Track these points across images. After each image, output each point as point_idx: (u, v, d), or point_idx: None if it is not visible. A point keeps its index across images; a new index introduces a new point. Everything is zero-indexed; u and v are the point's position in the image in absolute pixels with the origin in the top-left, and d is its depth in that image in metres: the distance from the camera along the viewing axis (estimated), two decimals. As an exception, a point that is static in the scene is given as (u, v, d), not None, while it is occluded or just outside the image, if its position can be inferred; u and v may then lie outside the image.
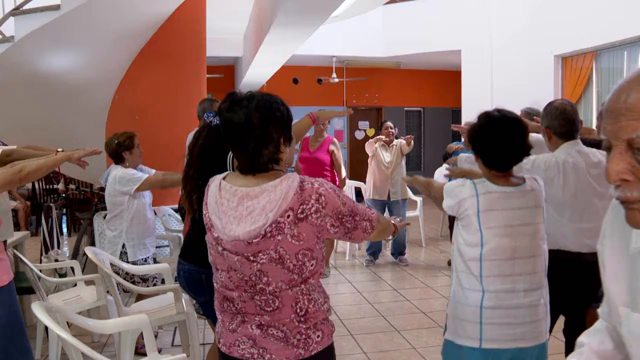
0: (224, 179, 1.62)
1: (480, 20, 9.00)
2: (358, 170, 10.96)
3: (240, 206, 1.51)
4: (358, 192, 6.87)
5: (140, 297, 3.67)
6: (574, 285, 2.50)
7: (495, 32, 8.75)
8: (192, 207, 2.38)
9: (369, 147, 6.17)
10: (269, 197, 1.48)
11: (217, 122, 2.34)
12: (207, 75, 6.07)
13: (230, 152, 2.22)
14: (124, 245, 3.67)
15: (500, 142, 1.98)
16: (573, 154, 2.53)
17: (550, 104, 2.66)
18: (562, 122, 2.55)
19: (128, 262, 3.66)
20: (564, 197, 2.48)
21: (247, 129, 1.52)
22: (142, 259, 3.73)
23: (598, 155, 2.58)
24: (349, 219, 1.55)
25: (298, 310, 1.52)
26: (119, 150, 3.64)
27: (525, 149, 2.00)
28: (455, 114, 11.96)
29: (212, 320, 2.38)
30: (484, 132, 2.03)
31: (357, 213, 1.57)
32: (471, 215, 1.94)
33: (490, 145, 2.00)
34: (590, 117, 7.40)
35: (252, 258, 1.48)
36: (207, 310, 2.29)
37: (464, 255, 1.99)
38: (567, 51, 7.61)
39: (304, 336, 1.53)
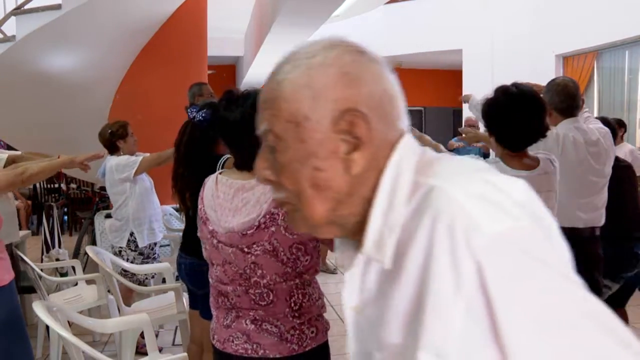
0: (220, 173, 1.64)
1: (482, 20, 9.00)
2: (359, 169, 10.94)
3: (235, 198, 1.53)
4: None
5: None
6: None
7: (496, 32, 8.74)
8: (185, 205, 2.40)
9: None
10: (264, 189, 1.49)
11: (200, 117, 2.36)
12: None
13: (222, 158, 2.25)
14: (132, 233, 3.66)
15: (516, 120, 1.85)
16: (571, 130, 2.50)
17: (552, 81, 2.63)
18: (563, 98, 2.53)
19: (137, 248, 3.67)
20: (561, 170, 2.46)
21: (242, 128, 1.53)
22: (152, 244, 3.74)
23: (597, 133, 2.57)
24: None
25: (292, 305, 1.53)
26: (113, 139, 3.63)
27: (542, 130, 1.89)
28: (457, 114, 11.95)
29: (204, 313, 2.38)
30: (499, 109, 1.91)
31: None
32: None
33: (504, 123, 1.89)
34: (591, 116, 7.40)
35: (246, 250, 1.49)
36: (204, 303, 2.30)
37: None
38: (568, 51, 7.61)
39: (297, 332, 1.54)
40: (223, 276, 1.57)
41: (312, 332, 1.56)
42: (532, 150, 2.03)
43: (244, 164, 1.57)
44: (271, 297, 1.52)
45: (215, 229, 1.55)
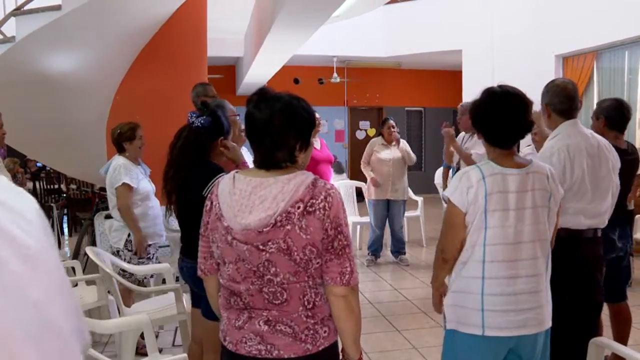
0: (237, 172, 1.65)
1: (481, 20, 9.00)
2: (358, 169, 10.95)
3: (253, 195, 1.54)
4: (359, 192, 6.87)
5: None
6: (575, 263, 2.45)
7: (496, 32, 8.74)
8: (172, 207, 2.43)
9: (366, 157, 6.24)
10: (282, 188, 1.51)
11: (199, 123, 2.39)
12: (208, 76, 6.06)
13: (205, 191, 2.27)
14: (129, 234, 3.69)
15: (502, 118, 1.93)
16: (573, 135, 2.49)
17: (551, 82, 2.64)
18: (562, 99, 2.53)
19: (131, 250, 3.67)
20: (571, 181, 2.45)
21: (266, 130, 1.55)
22: (146, 245, 3.75)
23: (597, 137, 2.58)
24: (342, 239, 1.54)
25: (306, 303, 1.54)
26: (120, 140, 3.69)
27: (527, 125, 1.96)
28: (457, 114, 11.95)
29: (205, 313, 2.38)
30: (485, 108, 1.99)
31: (349, 246, 1.56)
32: (480, 199, 1.89)
33: (492, 121, 1.96)
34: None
35: (261, 247, 1.50)
36: (206, 303, 2.31)
37: (466, 242, 1.94)
38: (568, 51, 7.61)
39: (311, 331, 1.55)
40: (236, 274, 1.57)
41: (325, 331, 1.57)
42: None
43: (262, 162, 1.58)
44: (285, 296, 1.53)
45: (231, 225, 1.54)
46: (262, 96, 1.57)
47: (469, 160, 4.20)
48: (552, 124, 2.59)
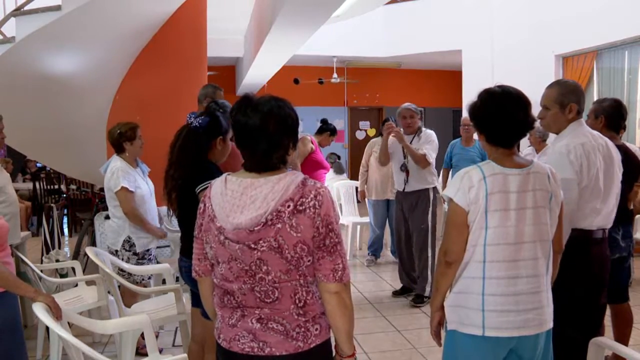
0: (228, 174, 1.68)
1: (481, 20, 9.00)
2: (358, 170, 10.96)
3: (244, 195, 1.57)
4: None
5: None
6: (584, 264, 2.44)
7: (496, 32, 8.75)
8: (172, 205, 2.49)
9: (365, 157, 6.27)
10: (272, 187, 1.55)
11: (197, 124, 2.44)
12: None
13: (200, 186, 2.34)
14: (129, 236, 3.67)
15: (503, 117, 1.94)
16: (583, 135, 2.47)
17: (563, 81, 2.62)
18: (580, 98, 2.51)
19: (132, 248, 3.67)
20: (588, 179, 2.42)
21: (260, 134, 1.58)
22: (145, 250, 3.75)
23: (604, 137, 2.57)
24: (333, 237, 1.56)
25: (297, 302, 1.56)
26: (121, 140, 3.68)
27: (528, 123, 1.96)
28: (456, 114, 11.95)
29: (205, 313, 2.39)
30: (485, 109, 1.99)
31: (340, 243, 1.58)
32: (480, 199, 1.89)
33: (493, 121, 1.96)
34: (591, 116, 7.40)
35: (253, 246, 1.53)
36: None
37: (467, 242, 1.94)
38: (568, 51, 7.61)
39: (303, 329, 1.57)
40: (228, 274, 1.59)
41: (316, 329, 1.60)
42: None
43: (256, 165, 1.60)
44: (276, 294, 1.55)
45: (223, 225, 1.57)
46: (248, 103, 1.60)
47: (417, 156, 4.67)
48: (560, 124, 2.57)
